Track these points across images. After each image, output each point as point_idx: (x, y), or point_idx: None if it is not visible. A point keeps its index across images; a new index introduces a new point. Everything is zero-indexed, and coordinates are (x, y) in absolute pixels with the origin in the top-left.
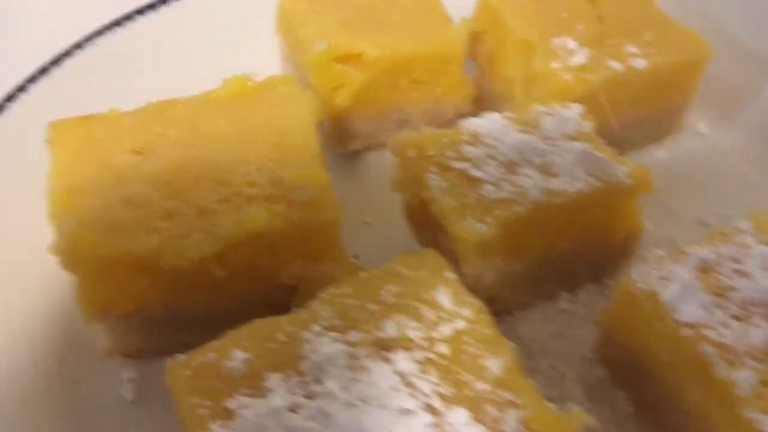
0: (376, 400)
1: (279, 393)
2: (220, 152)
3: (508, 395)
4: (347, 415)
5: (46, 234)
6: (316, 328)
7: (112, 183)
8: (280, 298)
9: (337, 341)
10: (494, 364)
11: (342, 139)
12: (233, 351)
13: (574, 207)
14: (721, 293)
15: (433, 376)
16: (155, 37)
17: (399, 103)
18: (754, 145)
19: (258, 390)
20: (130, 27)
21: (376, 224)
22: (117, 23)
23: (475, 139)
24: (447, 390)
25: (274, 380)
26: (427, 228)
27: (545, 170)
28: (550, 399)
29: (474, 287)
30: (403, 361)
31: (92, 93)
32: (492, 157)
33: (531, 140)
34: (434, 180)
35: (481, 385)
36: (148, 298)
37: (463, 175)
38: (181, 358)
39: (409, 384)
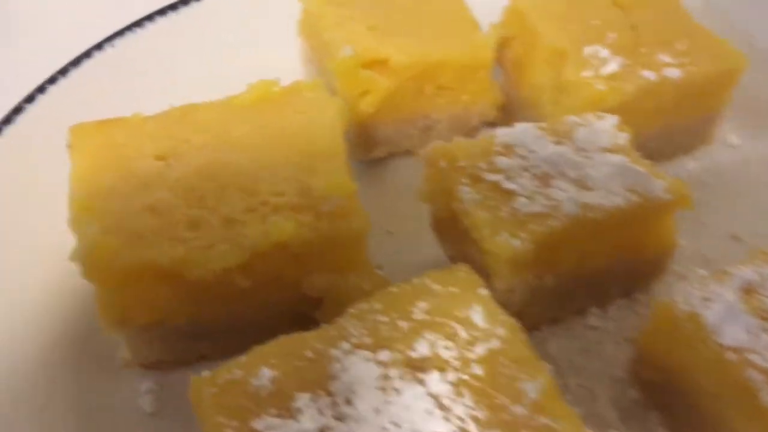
0: (409, 423)
1: (308, 414)
2: (246, 160)
3: (546, 420)
4: None
5: (67, 240)
6: (346, 345)
7: (135, 189)
8: (304, 310)
9: (368, 360)
10: (531, 387)
11: (365, 146)
12: (260, 368)
13: (610, 222)
14: (766, 316)
15: (468, 399)
16: (175, 38)
17: (424, 110)
18: None
19: (286, 410)
20: (151, 28)
21: (400, 234)
22: (137, 24)
23: (508, 149)
24: (482, 414)
25: (302, 400)
26: (456, 240)
27: (580, 183)
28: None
29: (503, 302)
30: (436, 382)
31: (112, 95)
32: (525, 169)
33: (565, 152)
34: (466, 192)
35: (517, 409)
36: (170, 308)
37: (496, 187)
38: (205, 374)
39: (443, 407)
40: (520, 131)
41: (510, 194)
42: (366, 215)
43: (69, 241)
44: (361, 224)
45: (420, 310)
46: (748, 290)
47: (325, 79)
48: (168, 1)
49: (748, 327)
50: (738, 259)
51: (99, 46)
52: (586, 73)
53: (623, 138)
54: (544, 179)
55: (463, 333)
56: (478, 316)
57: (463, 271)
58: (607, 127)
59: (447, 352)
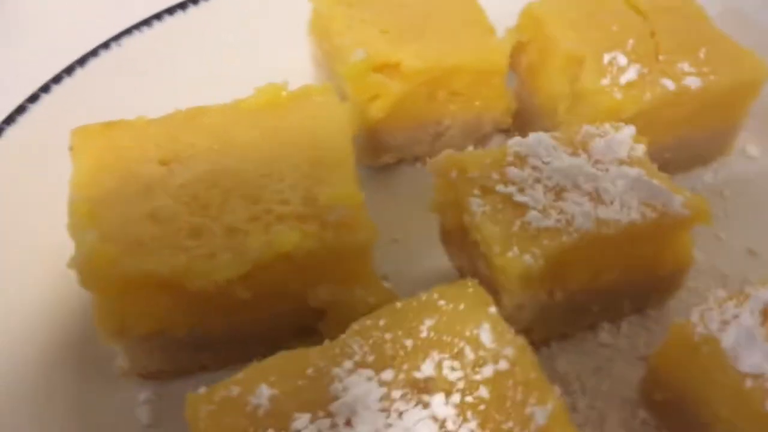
0: None
1: None
2: (251, 166)
3: None
4: None
5: (68, 244)
6: (348, 363)
7: (137, 195)
8: (308, 322)
9: (371, 380)
10: (539, 412)
11: (374, 152)
12: (259, 386)
13: (624, 238)
14: None
15: (473, 424)
16: (183, 38)
17: (436, 116)
18: None
19: (284, 431)
20: (159, 27)
21: (407, 243)
22: (145, 23)
23: (521, 160)
24: None
25: (301, 421)
26: (465, 253)
27: (595, 197)
28: None
29: (512, 318)
30: (440, 405)
31: (118, 95)
32: (538, 181)
33: (580, 163)
34: (477, 204)
35: None
36: (170, 318)
37: (507, 199)
38: (202, 390)
39: (446, 431)
40: (534, 141)
41: (522, 207)
42: (373, 227)
43: (69, 245)
44: (368, 236)
45: (426, 327)
46: (767, 313)
47: (334, 82)
48: (173, 1)
49: (767, 353)
50: (754, 275)
51: (106, 45)
52: (603, 81)
53: (640, 149)
54: (558, 192)
55: (469, 353)
56: (486, 335)
57: (471, 287)
58: (624, 139)
59: (452, 373)
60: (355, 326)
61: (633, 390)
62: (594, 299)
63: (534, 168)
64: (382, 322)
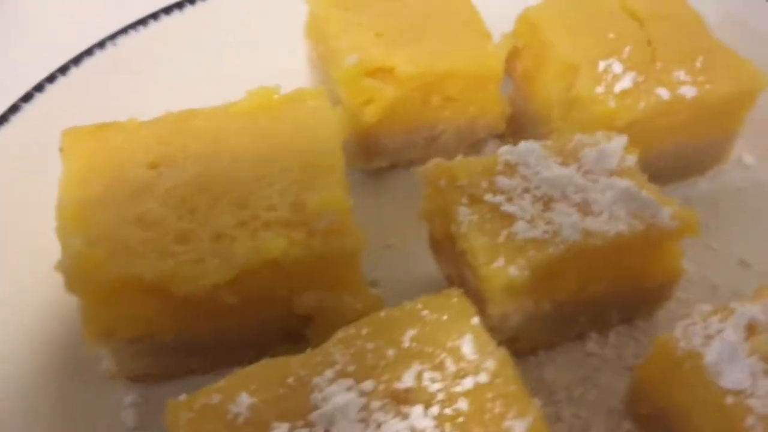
0: None
1: None
2: (241, 171)
3: None
4: None
5: (56, 246)
6: (329, 373)
7: (125, 199)
8: (295, 328)
9: (351, 390)
10: (518, 425)
11: (367, 156)
12: (240, 394)
13: (611, 249)
14: None
15: None
16: (180, 37)
17: (430, 121)
18: None
19: None
20: (155, 27)
21: (399, 248)
22: (141, 22)
23: (511, 169)
24: None
25: (280, 430)
26: (453, 261)
27: (583, 208)
28: None
29: (499, 327)
30: (419, 416)
31: (114, 94)
32: (527, 191)
33: (570, 174)
34: (464, 214)
35: None
36: (157, 323)
37: (495, 209)
38: (183, 397)
39: None
40: (524, 150)
41: (509, 218)
42: (361, 234)
43: (57, 247)
44: (355, 243)
45: (408, 337)
46: (752, 329)
47: (329, 85)
48: (172, 1)
49: (749, 369)
50: (745, 286)
51: (101, 44)
52: (598, 89)
53: (631, 160)
54: (546, 202)
55: (451, 364)
56: (467, 347)
57: (456, 297)
58: (615, 149)
59: (433, 384)
60: (338, 334)
61: (619, 401)
62: (581, 310)
63: (523, 177)
64: (365, 331)
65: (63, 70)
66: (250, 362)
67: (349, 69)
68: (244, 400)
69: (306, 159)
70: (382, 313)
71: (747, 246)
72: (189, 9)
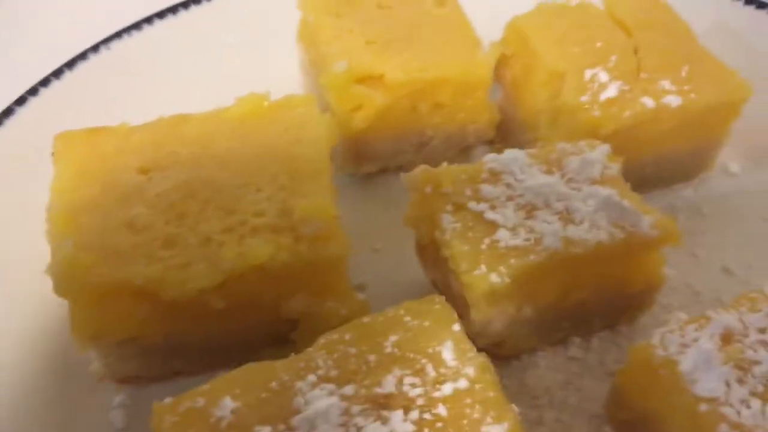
0: None
1: None
2: (229, 176)
3: None
4: None
5: (46, 249)
6: (312, 377)
7: (115, 204)
8: (281, 332)
9: (332, 395)
10: (495, 430)
11: (357, 160)
12: (223, 398)
13: (592, 257)
14: (743, 366)
15: None
16: (175, 41)
17: (419, 127)
18: None
19: None
20: (149, 30)
21: (386, 252)
22: (135, 26)
23: (496, 177)
24: None
25: None
26: (437, 267)
27: (565, 216)
28: None
29: (482, 332)
30: (399, 421)
31: (105, 99)
32: (511, 199)
33: (553, 182)
34: (448, 221)
35: None
36: (145, 326)
37: (478, 217)
38: (168, 400)
39: None
40: (509, 158)
41: (492, 225)
42: (347, 240)
43: (47, 250)
44: (341, 249)
45: (390, 343)
46: (727, 338)
47: (319, 91)
48: (168, 3)
49: (724, 377)
50: (728, 293)
51: (95, 48)
52: (583, 98)
53: (614, 169)
54: (529, 210)
55: (431, 370)
56: (448, 353)
57: (438, 304)
58: (598, 157)
59: (413, 389)
60: (321, 340)
61: (601, 405)
62: (564, 316)
63: (507, 185)
64: (348, 336)
65: (57, 73)
66: (239, 364)
67: (338, 75)
68: (228, 404)
69: (294, 165)
70: (366, 319)
71: (730, 253)
72: (183, 13)
